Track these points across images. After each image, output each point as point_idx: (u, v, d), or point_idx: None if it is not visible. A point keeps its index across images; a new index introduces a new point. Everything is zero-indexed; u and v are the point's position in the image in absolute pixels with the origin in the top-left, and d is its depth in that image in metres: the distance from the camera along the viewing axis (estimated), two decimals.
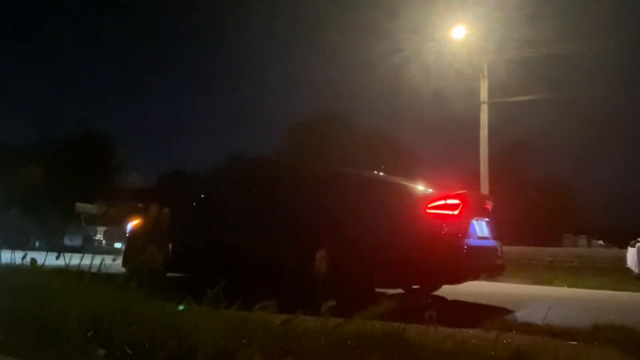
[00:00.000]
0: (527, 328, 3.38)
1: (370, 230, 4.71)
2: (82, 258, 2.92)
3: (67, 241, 17.49)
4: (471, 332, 3.12)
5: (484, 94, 17.18)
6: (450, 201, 4.68)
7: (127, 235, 6.20)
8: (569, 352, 2.78)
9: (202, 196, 6.19)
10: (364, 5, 31.24)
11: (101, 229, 17.68)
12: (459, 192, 4.82)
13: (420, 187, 5.51)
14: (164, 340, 2.12)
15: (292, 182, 5.82)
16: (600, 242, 34.24)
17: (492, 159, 17.58)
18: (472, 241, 4.75)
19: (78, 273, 2.84)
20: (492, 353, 2.31)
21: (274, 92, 60.11)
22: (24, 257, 3.03)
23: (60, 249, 3.07)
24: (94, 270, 2.77)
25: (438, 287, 5.76)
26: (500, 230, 5.56)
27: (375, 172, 5.90)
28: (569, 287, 8.16)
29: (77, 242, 16.97)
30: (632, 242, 10.86)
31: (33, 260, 2.97)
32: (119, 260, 5.10)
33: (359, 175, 5.65)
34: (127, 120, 62.34)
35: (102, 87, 59.90)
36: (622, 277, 9.81)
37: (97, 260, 2.87)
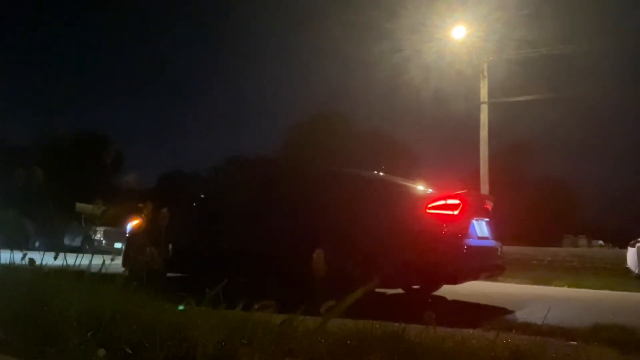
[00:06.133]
0: (527, 328, 3.37)
1: (370, 230, 4.70)
2: (81, 258, 2.92)
3: (67, 241, 17.49)
4: (471, 332, 3.12)
5: (484, 94, 17.18)
6: (450, 201, 4.67)
7: (127, 235, 6.20)
8: (569, 352, 2.78)
9: (202, 196, 6.19)
10: (364, 5, 31.19)
11: (101, 229, 17.66)
12: (459, 192, 4.82)
13: (420, 187, 5.51)
14: (164, 340, 2.12)
15: (292, 182, 5.82)
16: (600, 242, 34.19)
17: (492, 159, 17.57)
18: (472, 241, 4.75)
19: (78, 273, 2.83)
20: (492, 353, 2.31)
21: (274, 92, 60.12)
22: (23, 257, 3.03)
23: (60, 249, 3.06)
24: (93, 270, 2.76)
25: (438, 287, 5.76)
26: (500, 230, 5.56)
27: (375, 172, 5.90)
28: (569, 287, 8.16)
29: (77, 242, 16.97)
30: (632, 242, 10.85)
31: (31, 261, 2.96)
32: (119, 260, 5.10)
33: (358, 175, 5.65)
34: (127, 120, 62.35)
35: (102, 87, 59.87)
36: (622, 277, 9.81)
37: (97, 260, 2.87)
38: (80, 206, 19.90)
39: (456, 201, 4.67)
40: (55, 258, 3.06)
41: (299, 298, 2.24)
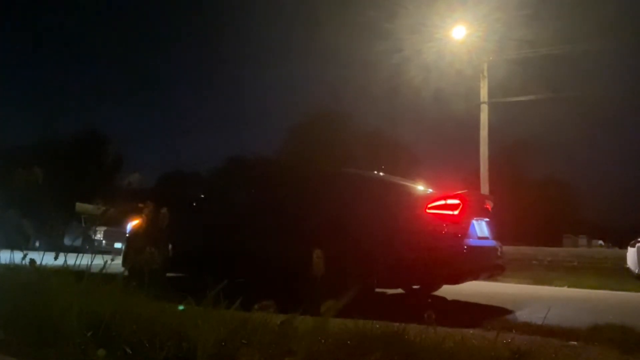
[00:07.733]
0: (527, 328, 3.37)
1: (370, 230, 4.70)
2: (81, 258, 2.92)
3: (67, 241, 17.45)
4: (471, 332, 3.12)
5: (484, 94, 17.18)
6: (450, 201, 4.67)
7: (127, 235, 6.20)
8: (569, 352, 2.78)
9: (202, 196, 6.19)
10: (364, 5, 31.22)
11: (101, 229, 17.66)
12: (459, 192, 4.82)
13: (420, 187, 5.51)
14: (164, 340, 2.12)
15: (292, 182, 5.82)
16: (600, 242, 34.24)
17: (492, 159, 17.58)
18: (472, 241, 4.75)
19: (78, 273, 2.83)
20: (492, 353, 2.31)
21: (275, 92, 60.17)
22: (24, 258, 3.02)
23: (60, 249, 3.06)
24: (93, 270, 2.76)
25: (438, 287, 5.76)
26: (500, 230, 5.56)
27: (375, 172, 5.90)
28: (569, 287, 8.16)
29: (77, 242, 16.96)
30: (632, 242, 10.84)
31: (32, 261, 2.96)
32: (119, 260, 5.10)
33: (358, 175, 5.65)
34: (128, 120, 62.36)
35: (102, 87, 59.90)
36: (622, 277, 9.81)
37: (97, 260, 2.87)
38: (80, 206, 19.89)
39: (456, 201, 4.67)
40: (56, 258, 3.06)
41: (299, 298, 2.24)
